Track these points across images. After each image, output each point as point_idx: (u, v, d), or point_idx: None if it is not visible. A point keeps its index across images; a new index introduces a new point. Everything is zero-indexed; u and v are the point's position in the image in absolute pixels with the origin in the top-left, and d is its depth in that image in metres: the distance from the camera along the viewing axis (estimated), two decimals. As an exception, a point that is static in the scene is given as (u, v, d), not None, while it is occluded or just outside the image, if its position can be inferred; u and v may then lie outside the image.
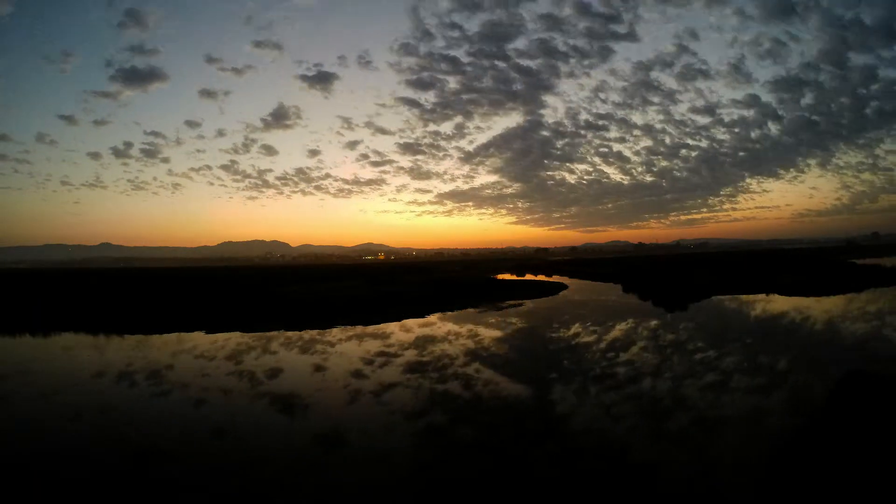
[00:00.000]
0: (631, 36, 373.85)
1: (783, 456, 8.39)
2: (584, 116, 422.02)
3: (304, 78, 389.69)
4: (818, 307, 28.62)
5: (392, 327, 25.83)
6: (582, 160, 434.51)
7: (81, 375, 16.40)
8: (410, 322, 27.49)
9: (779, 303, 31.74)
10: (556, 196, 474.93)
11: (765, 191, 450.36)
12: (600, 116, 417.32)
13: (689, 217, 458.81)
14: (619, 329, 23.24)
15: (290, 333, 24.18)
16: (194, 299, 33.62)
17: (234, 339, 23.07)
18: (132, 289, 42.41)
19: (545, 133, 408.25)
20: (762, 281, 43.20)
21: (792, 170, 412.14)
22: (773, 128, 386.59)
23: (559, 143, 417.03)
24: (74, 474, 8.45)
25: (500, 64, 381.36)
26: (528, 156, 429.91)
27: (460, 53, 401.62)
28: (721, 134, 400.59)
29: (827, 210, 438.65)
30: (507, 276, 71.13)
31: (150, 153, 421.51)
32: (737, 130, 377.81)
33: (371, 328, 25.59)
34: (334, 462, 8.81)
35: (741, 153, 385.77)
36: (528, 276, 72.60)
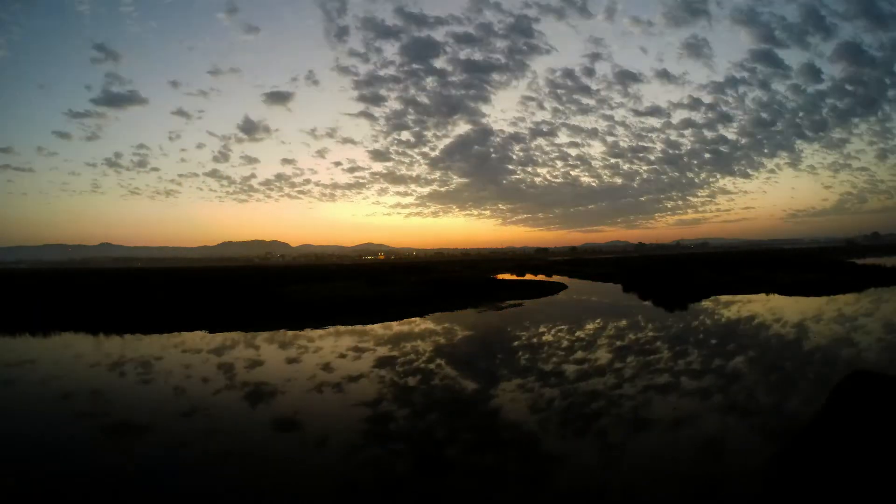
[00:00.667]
0: (545, 50, 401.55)
1: (780, 461, 8.36)
2: (526, 124, 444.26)
3: (266, 95, 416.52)
4: (818, 307, 28.60)
5: (389, 326, 25.83)
6: (543, 164, 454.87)
7: (77, 366, 17.88)
8: (408, 321, 27.48)
9: (779, 302, 31.72)
10: (533, 198, 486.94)
11: (743, 192, 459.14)
12: (543, 123, 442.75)
13: (676, 217, 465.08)
14: (613, 328, 23.22)
15: (289, 332, 24.19)
16: (195, 299, 33.58)
17: (233, 337, 23.07)
18: (133, 289, 42.39)
19: (496, 139, 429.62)
20: (762, 281, 43.20)
21: (761, 170, 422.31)
22: (726, 128, 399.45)
23: (515, 148, 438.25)
24: (58, 438, 10.49)
25: (431, 80, 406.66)
26: (487, 160, 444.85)
27: (392, 72, 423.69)
28: (675, 136, 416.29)
29: (814, 211, 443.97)
30: (508, 276, 71.12)
31: (140, 163, 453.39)
32: (687, 132, 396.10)
33: (369, 327, 25.63)
34: (284, 440, 10.11)
35: (706, 154, 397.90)
36: (529, 276, 72.60)
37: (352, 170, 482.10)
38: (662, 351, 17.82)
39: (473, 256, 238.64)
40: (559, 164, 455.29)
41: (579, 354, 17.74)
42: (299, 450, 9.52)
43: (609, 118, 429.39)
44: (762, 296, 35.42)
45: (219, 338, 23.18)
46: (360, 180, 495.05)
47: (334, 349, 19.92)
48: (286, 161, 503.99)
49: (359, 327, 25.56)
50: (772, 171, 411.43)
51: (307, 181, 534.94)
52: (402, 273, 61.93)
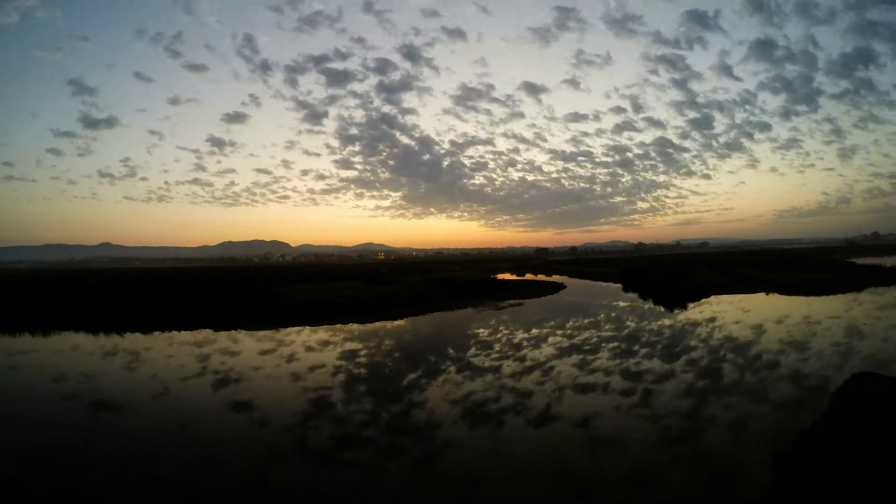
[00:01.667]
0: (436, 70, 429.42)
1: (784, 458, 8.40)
2: (451, 137, 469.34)
3: (224, 115, 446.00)
4: (818, 307, 28.64)
5: (387, 325, 25.88)
6: (493, 170, 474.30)
7: (73, 356, 19.93)
8: (406, 320, 27.54)
9: (778, 302, 31.76)
10: (502, 200, 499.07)
11: (697, 192, 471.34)
12: (472, 134, 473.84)
13: (643, 216, 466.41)
14: (588, 329, 23.28)
15: (288, 330, 24.27)
16: (196, 299, 33.61)
17: (233, 336, 23.16)
18: (137, 289, 42.44)
19: (440, 150, 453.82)
20: (761, 280, 43.22)
21: (721, 169, 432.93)
22: (664, 133, 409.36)
23: (461, 157, 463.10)
24: (46, 410, 13.01)
25: (354, 101, 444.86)
26: (438, 168, 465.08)
27: (322, 96, 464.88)
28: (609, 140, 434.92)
29: (801, 211, 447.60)
30: (508, 276, 71.16)
31: (129, 174, 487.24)
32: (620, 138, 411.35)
33: (367, 326, 25.72)
34: (235, 417, 11.85)
35: (656, 157, 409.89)
36: (529, 276, 72.65)
37: (321, 177, 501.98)
38: (636, 353, 17.89)
39: (473, 256, 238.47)
40: (512, 170, 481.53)
41: (528, 352, 18.17)
42: (244, 424, 11.30)
43: (535, 127, 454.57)
44: (762, 295, 35.47)
45: (223, 335, 23.29)
46: (333, 186, 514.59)
47: (319, 345, 20.72)
48: (259, 171, 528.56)
49: (356, 326, 25.66)
50: (732, 171, 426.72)
51: (284, 188, 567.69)
52: (402, 273, 61.93)
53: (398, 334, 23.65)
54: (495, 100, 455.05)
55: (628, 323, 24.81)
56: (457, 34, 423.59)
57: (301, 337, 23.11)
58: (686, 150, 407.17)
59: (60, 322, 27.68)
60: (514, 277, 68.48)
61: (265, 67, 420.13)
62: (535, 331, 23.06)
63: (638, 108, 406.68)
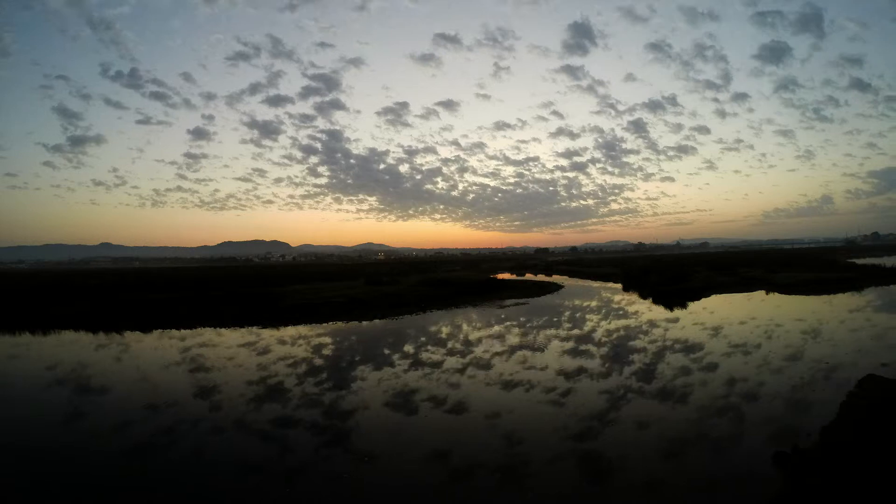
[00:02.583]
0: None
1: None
2: (392, 147, 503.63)
3: (189, 132, 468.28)
4: (818, 306, 28.67)
5: (383, 324, 25.91)
6: (449, 177, 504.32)
7: (70, 350, 21.31)
8: (403, 319, 27.56)
9: (779, 302, 31.79)
10: (471, 204, 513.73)
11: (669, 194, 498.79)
12: (410, 145, 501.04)
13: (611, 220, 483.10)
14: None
15: (284, 329, 24.31)
16: (196, 299, 33.64)
17: (232, 335, 23.21)
18: (135, 289, 42.45)
19: (390, 160, 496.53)
20: (762, 280, 43.26)
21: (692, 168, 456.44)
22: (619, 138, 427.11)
23: (412, 165, 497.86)
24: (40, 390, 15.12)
25: (295, 120, 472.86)
26: (398, 174, 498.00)
27: (262, 116, 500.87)
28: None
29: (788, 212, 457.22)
30: (507, 276, 71.18)
31: (121, 183, 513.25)
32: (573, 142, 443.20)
33: (365, 324, 25.76)
34: (199, 400, 13.36)
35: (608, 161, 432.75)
36: (528, 276, 72.65)
37: (296, 184, 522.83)
38: (592, 354, 17.91)
39: (473, 257, 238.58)
40: (472, 176, 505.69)
41: (484, 349, 18.72)
42: (201, 403, 12.95)
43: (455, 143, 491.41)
44: (762, 294, 35.50)
45: (226, 333, 23.32)
46: (311, 192, 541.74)
47: (298, 341, 21.28)
48: (237, 179, 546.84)
49: (353, 325, 25.69)
50: (694, 172, 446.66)
51: (265, 194, 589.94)
52: (402, 273, 61.94)
53: (377, 332, 23.90)
54: (420, 116, 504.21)
55: (602, 322, 24.82)
56: (359, 61, 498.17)
57: (286, 333, 23.49)
58: (634, 152, 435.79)
59: (61, 321, 27.70)
60: (513, 277, 68.48)
61: (209, 96, 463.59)
62: (499, 328, 23.10)
63: (559, 115, 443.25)
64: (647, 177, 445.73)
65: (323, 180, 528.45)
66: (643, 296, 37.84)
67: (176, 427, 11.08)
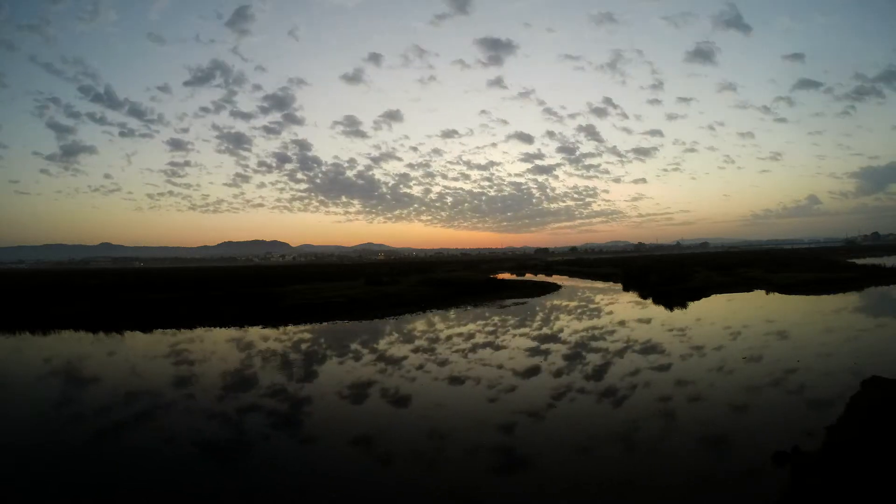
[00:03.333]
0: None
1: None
2: (355, 157, 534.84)
3: (166, 143, 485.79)
4: (817, 306, 28.67)
5: (381, 323, 25.92)
6: (422, 181, 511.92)
7: (67, 347, 21.70)
8: (400, 319, 27.58)
9: (779, 302, 31.80)
10: (450, 207, 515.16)
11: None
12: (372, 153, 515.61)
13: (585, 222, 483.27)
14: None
15: (288, 328, 24.34)
16: (197, 299, 33.63)
17: (232, 334, 23.23)
18: (135, 289, 42.44)
19: (360, 167, 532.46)
20: (762, 280, 43.26)
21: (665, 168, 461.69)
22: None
23: (379, 171, 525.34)
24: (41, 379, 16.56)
25: (262, 132, 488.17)
26: (373, 181, 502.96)
27: (234, 129, 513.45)
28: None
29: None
30: (507, 276, 71.18)
31: (115, 189, 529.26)
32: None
33: (364, 323, 25.79)
34: (174, 387, 14.97)
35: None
36: (529, 276, 72.63)
37: (280, 188, 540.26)
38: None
39: (473, 257, 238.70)
40: (443, 181, 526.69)
41: (456, 348, 19.00)
42: (179, 392, 14.21)
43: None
44: (762, 293, 35.50)
45: (223, 332, 23.33)
46: (297, 195, 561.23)
47: (281, 339, 21.65)
48: (225, 185, 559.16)
49: (353, 323, 25.70)
50: (666, 171, 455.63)
51: (254, 197, 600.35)
52: (402, 273, 61.89)
53: (362, 330, 24.09)
54: (372, 127, 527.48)
55: (594, 321, 24.82)
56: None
57: (277, 332, 23.64)
58: (593, 154, 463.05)
59: (61, 321, 27.70)
60: (513, 278, 68.51)
61: (180, 115, 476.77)
62: (480, 326, 23.11)
63: (503, 122, 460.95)
64: (618, 178, 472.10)
65: (304, 185, 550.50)
66: (643, 296, 37.84)
67: (150, 411, 12.36)
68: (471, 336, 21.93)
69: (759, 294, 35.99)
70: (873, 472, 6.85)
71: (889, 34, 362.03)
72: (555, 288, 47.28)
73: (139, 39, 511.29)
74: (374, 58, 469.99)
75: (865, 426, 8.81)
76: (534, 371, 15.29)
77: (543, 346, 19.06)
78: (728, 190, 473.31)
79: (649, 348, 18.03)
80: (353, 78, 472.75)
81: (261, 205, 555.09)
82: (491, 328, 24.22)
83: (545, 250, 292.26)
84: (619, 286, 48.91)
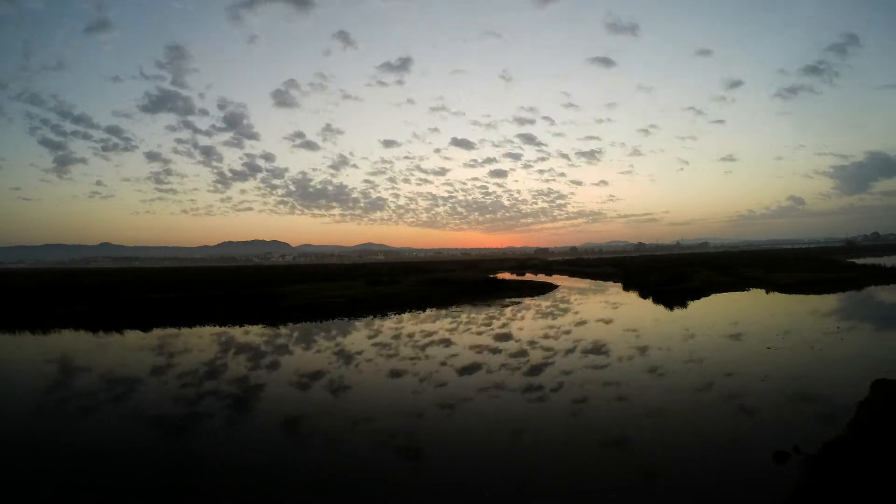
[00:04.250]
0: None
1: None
2: (321, 171, 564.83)
3: (147, 157, 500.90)
4: (818, 306, 28.66)
5: (380, 322, 25.91)
6: (389, 186, 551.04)
7: (64, 344, 22.20)
8: (399, 318, 27.59)
9: (780, 301, 31.79)
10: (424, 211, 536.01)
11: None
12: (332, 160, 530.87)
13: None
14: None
15: (292, 326, 24.36)
16: (197, 299, 33.64)
17: (232, 332, 23.25)
18: (135, 289, 42.45)
19: (324, 176, 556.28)
20: (762, 280, 43.26)
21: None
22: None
23: (344, 176, 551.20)
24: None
25: (228, 144, 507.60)
26: (342, 187, 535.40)
27: (200, 143, 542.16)
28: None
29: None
30: (507, 276, 71.19)
31: (111, 195, 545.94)
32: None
33: (362, 322, 25.78)
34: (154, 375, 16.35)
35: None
36: (529, 276, 72.63)
37: (264, 194, 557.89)
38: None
39: (473, 257, 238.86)
40: (411, 186, 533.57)
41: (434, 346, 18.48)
42: (158, 380, 15.59)
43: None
44: (762, 293, 35.49)
45: (234, 330, 23.34)
46: (280, 199, 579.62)
47: (267, 337, 21.05)
48: (209, 191, 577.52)
49: (354, 322, 25.69)
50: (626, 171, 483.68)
51: (239, 203, 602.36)
52: (402, 273, 61.91)
53: (341, 329, 23.83)
54: (317, 138, 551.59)
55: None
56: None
57: (268, 331, 23.60)
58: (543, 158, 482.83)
59: (61, 321, 27.69)
60: (513, 277, 68.42)
61: (150, 131, 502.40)
62: (454, 324, 23.10)
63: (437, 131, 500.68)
64: (578, 182, 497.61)
65: (281, 191, 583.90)
66: (643, 295, 37.82)
67: (126, 395, 13.79)
68: (451, 331, 22.03)
69: (759, 294, 35.97)
70: (873, 472, 6.84)
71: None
72: (554, 288, 47.27)
73: (97, 79, 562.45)
74: (292, 83, 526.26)
75: (866, 426, 8.80)
76: (535, 370, 15.25)
77: (542, 347, 19.04)
78: (720, 189, 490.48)
79: (657, 347, 18.02)
80: (283, 102, 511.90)
81: (249, 208, 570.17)
82: (481, 325, 24.20)
83: (545, 250, 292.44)
84: (618, 286, 48.89)
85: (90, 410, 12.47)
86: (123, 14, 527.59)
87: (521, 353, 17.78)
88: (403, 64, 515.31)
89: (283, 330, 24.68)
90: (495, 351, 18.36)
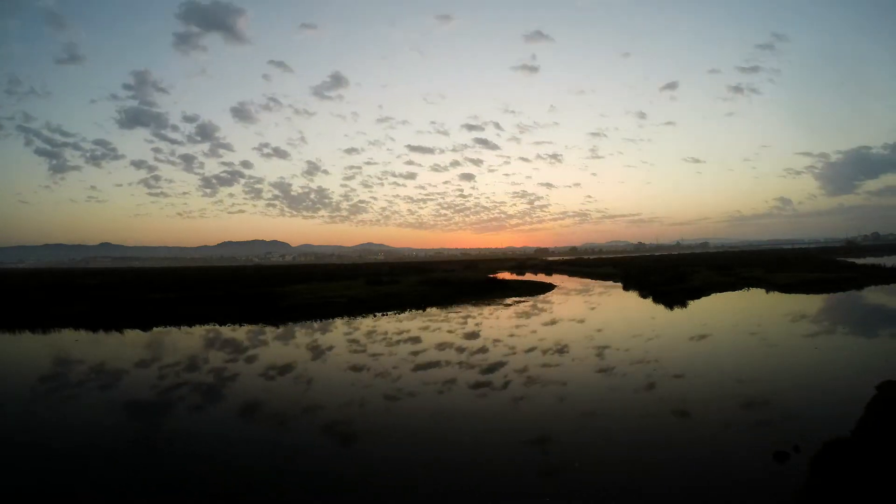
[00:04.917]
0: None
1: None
2: (293, 176, 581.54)
3: (133, 166, 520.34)
4: (819, 306, 28.64)
5: (380, 322, 25.90)
6: (364, 189, 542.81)
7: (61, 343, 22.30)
8: (398, 317, 27.58)
9: (780, 301, 31.77)
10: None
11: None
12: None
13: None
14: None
15: (292, 326, 24.35)
16: (196, 299, 33.64)
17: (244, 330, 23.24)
18: (135, 289, 42.45)
19: (300, 182, 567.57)
20: (762, 280, 43.23)
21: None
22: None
23: (316, 181, 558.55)
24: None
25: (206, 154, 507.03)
26: (323, 191, 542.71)
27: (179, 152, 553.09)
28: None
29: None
30: (507, 276, 71.13)
31: (106, 199, 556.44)
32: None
33: (361, 321, 25.78)
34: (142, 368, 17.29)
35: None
36: (529, 276, 72.60)
37: (254, 197, 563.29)
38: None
39: (473, 257, 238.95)
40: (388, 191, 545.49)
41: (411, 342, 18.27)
42: (146, 372, 16.84)
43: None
44: (761, 293, 35.47)
45: (237, 329, 23.33)
46: (269, 203, 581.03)
47: (259, 336, 20.87)
48: (201, 196, 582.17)
49: (355, 322, 25.70)
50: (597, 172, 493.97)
51: (231, 206, 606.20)
52: (402, 273, 61.89)
53: (332, 327, 23.81)
54: (280, 148, 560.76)
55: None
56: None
57: (268, 330, 23.42)
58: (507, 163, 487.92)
59: (61, 321, 27.69)
60: (513, 277, 68.38)
61: (134, 142, 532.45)
62: (438, 323, 23.10)
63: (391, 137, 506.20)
64: (547, 184, 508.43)
65: (267, 194, 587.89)
66: (643, 295, 37.81)
67: (126, 395, 14.19)
68: (451, 332, 21.96)
69: (759, 293, 35.94)
70: (874, 472, 6.83)
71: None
72: (554, 288, 47.24)
73: (78, 101, 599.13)
74: (245, 103, 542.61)
75: (868, 427, 8.79)
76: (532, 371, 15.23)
77: (543, 345, 19.03)
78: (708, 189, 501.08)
79: (658, 344, 18.01)
80: (243, 118, 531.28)
81: (241, 211, 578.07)
82: (481, 325, 24.19)
83: (545, 250, 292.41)
84: (619, 286, 48.86)
85: (90, 410, 12.58)
86: (89, 46, 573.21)
87: (566, 352, 17.74)
88: (338, 81, 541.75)
89: (283, 329, 24.66)
90: (495, 351, 18.31)
